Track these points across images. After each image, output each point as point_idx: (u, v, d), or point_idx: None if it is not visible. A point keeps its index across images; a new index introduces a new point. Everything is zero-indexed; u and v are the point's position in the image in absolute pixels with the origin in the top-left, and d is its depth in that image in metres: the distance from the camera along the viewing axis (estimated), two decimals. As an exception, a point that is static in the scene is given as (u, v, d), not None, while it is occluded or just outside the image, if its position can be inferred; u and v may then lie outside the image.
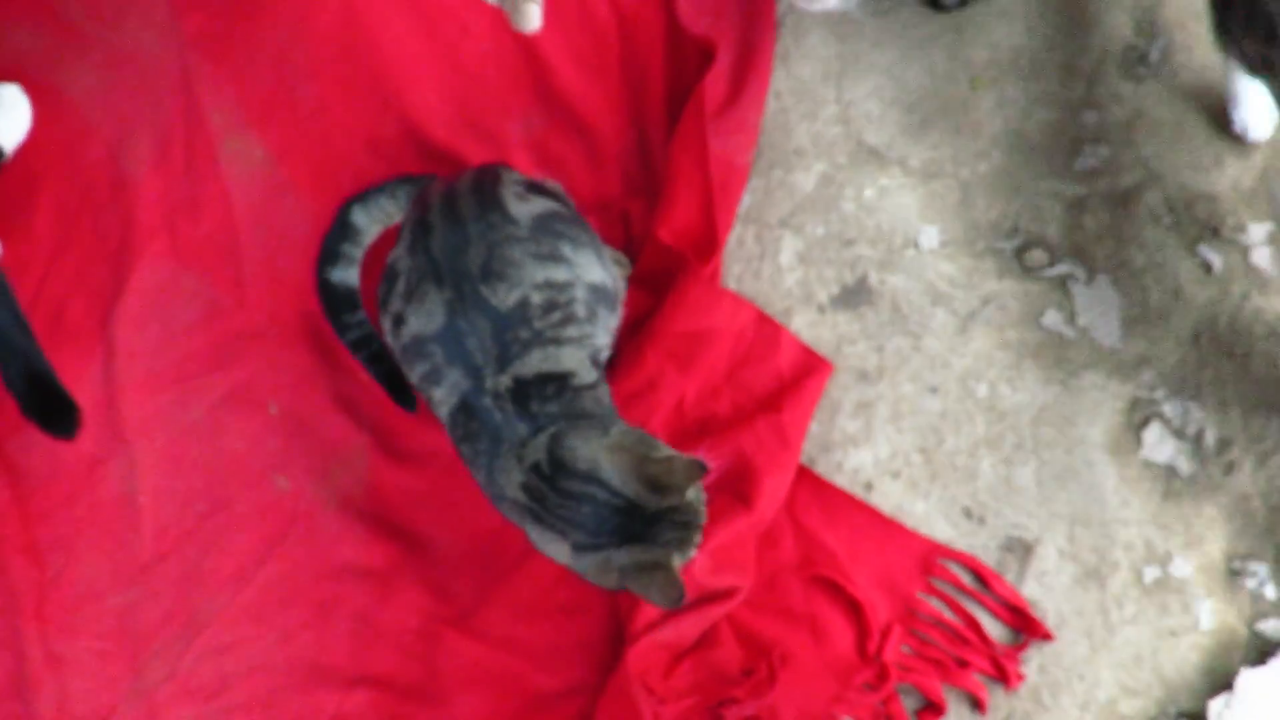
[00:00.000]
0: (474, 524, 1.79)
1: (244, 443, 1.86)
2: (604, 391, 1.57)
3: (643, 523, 1.39)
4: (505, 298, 1.50)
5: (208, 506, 1.84)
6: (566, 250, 1.56)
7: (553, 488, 1.43)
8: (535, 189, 1.64)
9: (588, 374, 1.54)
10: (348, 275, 1.80)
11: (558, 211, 1.62)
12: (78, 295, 1.89)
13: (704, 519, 1.44)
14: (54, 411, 1.69)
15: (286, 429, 1.86)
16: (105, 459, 1.84)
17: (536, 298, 1.51)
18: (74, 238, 1.92)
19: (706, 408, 1.80)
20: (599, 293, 1.58)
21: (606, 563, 1.41)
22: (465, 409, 1.52)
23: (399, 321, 1.56)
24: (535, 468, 1.44)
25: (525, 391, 1.49)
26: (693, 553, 1.43)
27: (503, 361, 1.49)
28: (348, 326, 1.80)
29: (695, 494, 1.42)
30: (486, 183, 1.61)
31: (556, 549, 1.46)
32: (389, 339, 1.62)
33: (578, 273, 1.56)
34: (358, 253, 1.80)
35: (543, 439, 1.46)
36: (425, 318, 1.52)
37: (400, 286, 1.56)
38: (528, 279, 1.51)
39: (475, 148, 1.90)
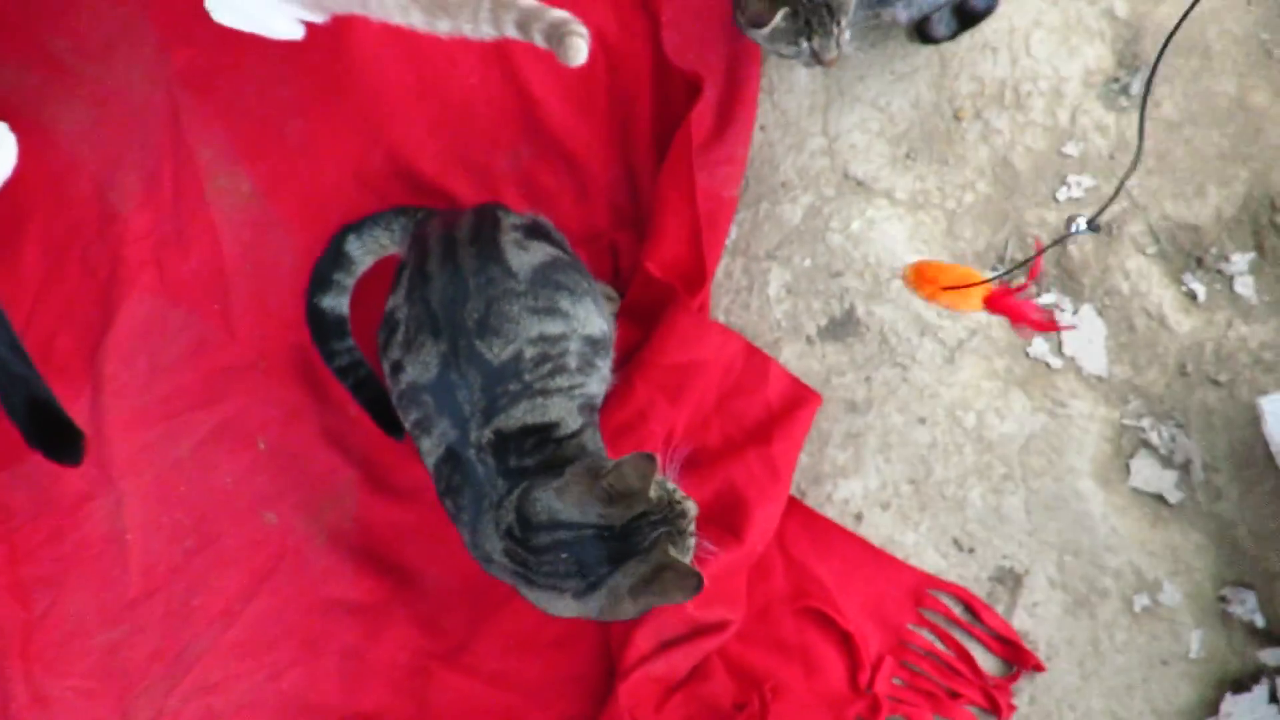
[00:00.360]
0: (463, 558, 1.77)
1: (232, 478, 1.86)
2: (589, 437, 1.57)
3: (623, 539, 1.39)
4: (499, 352, 1.50)
5: (196, 543, 1.83)
6: (565, 303, 1.56)
7: (528, 548, 1.43)
8: (533, 233, 1.64)
9: (573, 422, 1.54)
10: (338, 303, 1.80)
11: (557, 259, 1.61)
12: (65, 330, 1.89)
13: (691, 507, 1.43)
14: (59, 438, 1.68)
15: (275, 464, 1.86)
16: (92, 495, 1.84)
17: (529, 352, 1.51)
18: (61, 273, 1.91)
19: (696, 439, 1.80)
20: (595, 343, 1.58)
21: (614, 593, 1.40)
22: (450, 459, 1.52)
23: (397, 369, 1.56)
24: (509, 532, 1.44)
25: (504, 445, 1.49)
26: (691, 541, 1.42)
27: (489, 415, 1.50)
28: (335, 353, 1.80)
29: (661, 490, 1.41)
30: (486, 230, 1.61)
31: (561, 605, 1.45)
32: (389, 383, 1.62)
33: (574, 325, 1.56)
34: (349, 281, 1.80)
35: (513, 498, 1.45)
36: (421, 368, 1.53)
37: (399, 335, 1.56)
38: (523, 334, 1.51)
39: (464, 181, 1.91)
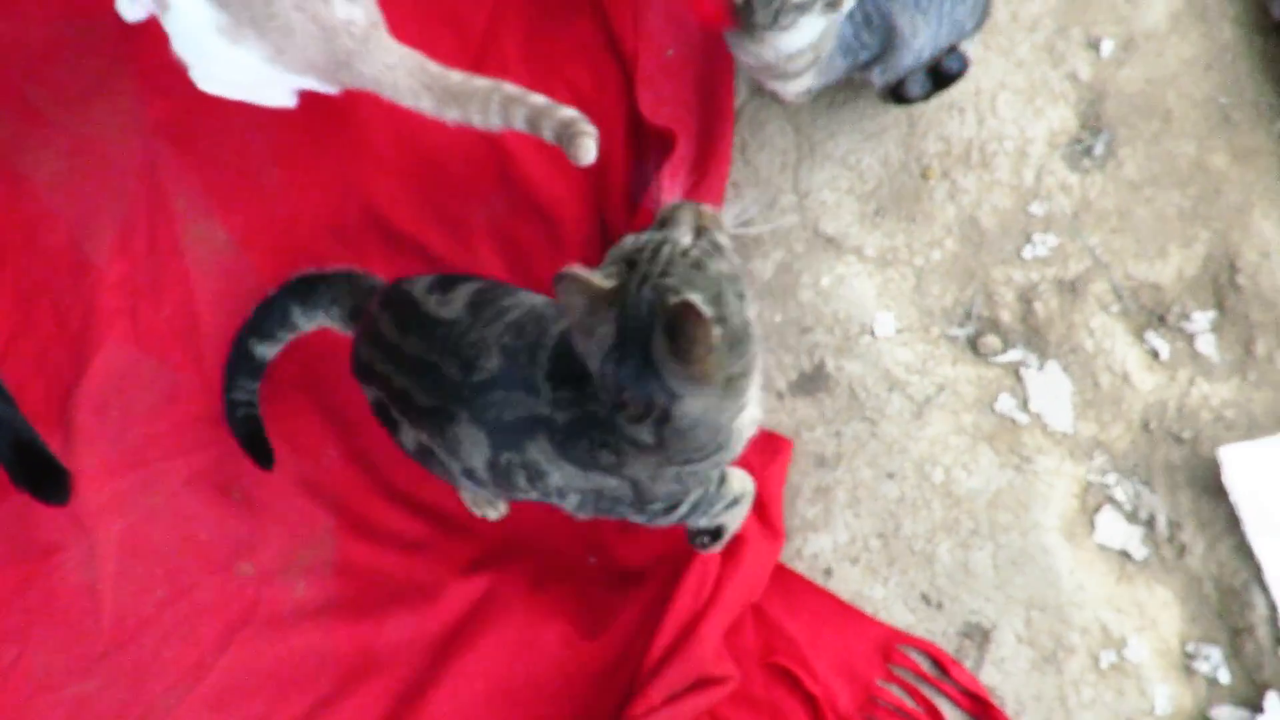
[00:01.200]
0: (440, 608, 1.79)
1: (206, 528, 1.85)
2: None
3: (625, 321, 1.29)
4: (494, 364, 1.49)
5: (168, 594, 1.82)
6: (506, 301, 1.56)
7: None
8: (445, 285, 1.62)
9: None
10: (269, 351, 1.82)
11: (480, 288, 1.60)
12: (37, 379, 1.89)
13: (670, 234, 1.29)
14: (45, 478, 1.68)
15: (249, 514, 1.86)
16: (63, 545, 1.83)
17: (508, 337, 1.49)
18: (33, 321, 1.92)
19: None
20: (551, 306, 1.55)
21: (668, 369, 1.26)
22: (587, 445, 1.44)
23: (471, 474, 1.54)
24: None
25: (561, 375, 1.42)
26: (696, 252, 1.27)
27: (536, 390, 1.45)
28: (238, 387, 1.82)
29: (618, 257, 1.30)
30: (408, 313, 1.59)
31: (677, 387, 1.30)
32: (477, 489, 1.60)
33: (524, 302, 1.55)
34: (288, 337, 1.82)
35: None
36: (476, 448, 1.50)
37: (442, 455, 1.55)
38: (493, 340, 1.50)
39: (438, 234, 1.92)
